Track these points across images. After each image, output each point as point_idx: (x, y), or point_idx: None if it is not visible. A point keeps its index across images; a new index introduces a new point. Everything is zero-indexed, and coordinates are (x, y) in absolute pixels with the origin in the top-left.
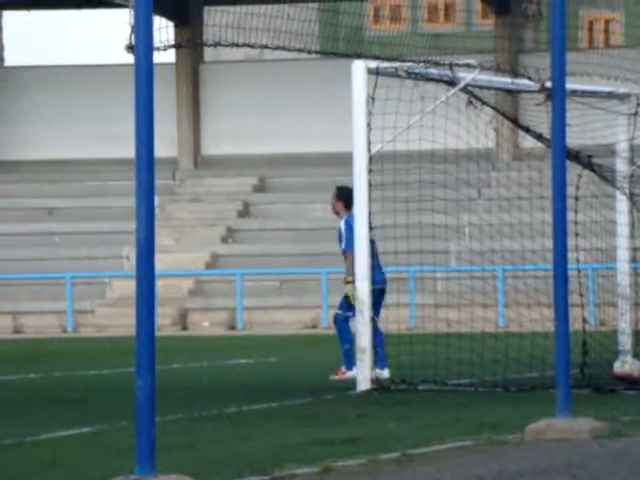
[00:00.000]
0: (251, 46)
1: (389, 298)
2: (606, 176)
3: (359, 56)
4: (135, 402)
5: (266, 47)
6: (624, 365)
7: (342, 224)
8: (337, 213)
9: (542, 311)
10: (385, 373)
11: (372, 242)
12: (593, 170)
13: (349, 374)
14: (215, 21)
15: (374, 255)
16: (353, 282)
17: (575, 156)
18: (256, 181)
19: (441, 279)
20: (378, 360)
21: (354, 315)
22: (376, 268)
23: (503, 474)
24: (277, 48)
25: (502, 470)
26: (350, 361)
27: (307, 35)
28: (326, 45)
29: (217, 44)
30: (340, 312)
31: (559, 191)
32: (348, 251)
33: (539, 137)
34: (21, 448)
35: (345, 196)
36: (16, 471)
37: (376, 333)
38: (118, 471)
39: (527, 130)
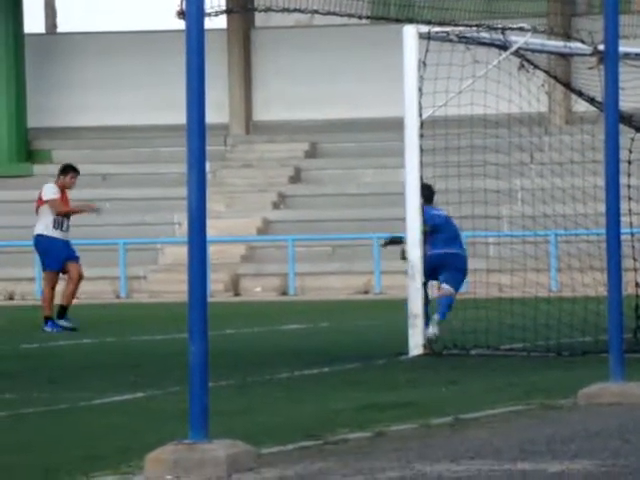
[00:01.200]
0: (302, 11)
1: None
2: None
3: (410, 21)
4: (188, 368)
5: (316, 12)
6: None
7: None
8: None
9: (595, 275)
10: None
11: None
12: None
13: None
14: None
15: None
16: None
17: (628, 120)
18: (307, 147)
19: (493, 244)
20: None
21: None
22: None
23: (555, 438)
24: (328, 13)
25: (554, 434)
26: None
27: (358, 0)
28: (377, 10)
29: (268, 9)
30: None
31: (612, 155)
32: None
33: (591, 101)
34: (76, 413)
35: (423, 192)
36: (70, 436)
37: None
38: (171, 436)
39: (580, 94)
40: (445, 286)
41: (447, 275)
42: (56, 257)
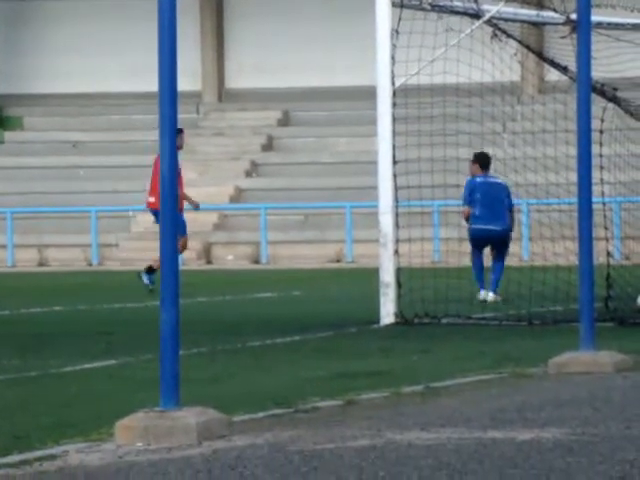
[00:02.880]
0: None
1: (414, 232)
2: (631, 110)
3: None
4: (159, 335)
5: None
6: None
7: (467, 180)
8: (473, 175)
9: (566, 244)
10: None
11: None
12: (619, 104)
13: (480, 295)
14: None
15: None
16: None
17: (600, 90)
18: (280, 115)
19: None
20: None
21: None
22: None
23: (526, 407)
24: None
25: (525, 402)
26: (479, 283)
27: None
28: None
29: None
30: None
31: (584, 124)
32: (464, 205)
33: (564, 70)
34: (46, 380)
35: (480, 159)
36: (41, 403)
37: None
38: (142, 403)
39: (552, 63)
40: None
41: None
42: None
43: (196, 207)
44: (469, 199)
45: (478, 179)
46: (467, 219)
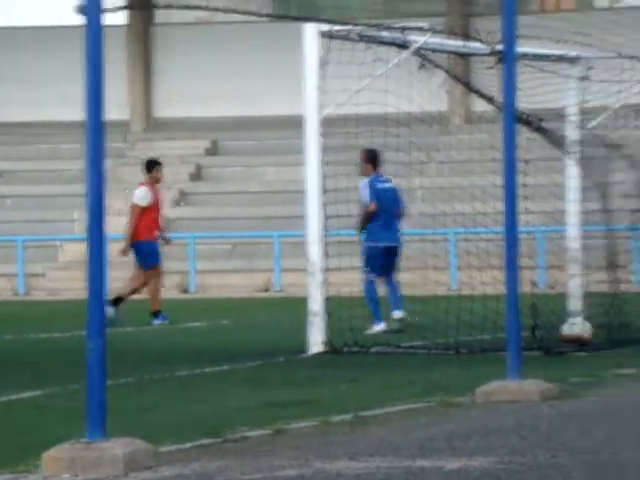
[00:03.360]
0: (202, 8)
1: (344, 261)
2: (556, 140)
3: (310, 20)
4: (86, 365)
5: (216, 10)
6: (573, 327)
7: (365, 182)
8: (365, 174)
9: (493, 273)
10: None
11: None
12: (544, 134)
13: (377, 327)
14: None
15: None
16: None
17: (526, 120)
18: (208, 144)
19: None
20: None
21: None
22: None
23: (454, 435)
24: (228, 11)
25: (453, 431)
26: (377, 315)
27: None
28: (278, 8)
29: (168, 6)
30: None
31: (510, 154)
32: (369, 204)
33: (490, 100)
34: None
35: (372, 157)
36: None
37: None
38: (69, 434)
39: (478, 93)
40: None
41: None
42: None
43: (167, 242)
44: (373, 198)
45: (379, 184)
46: (367, 220)
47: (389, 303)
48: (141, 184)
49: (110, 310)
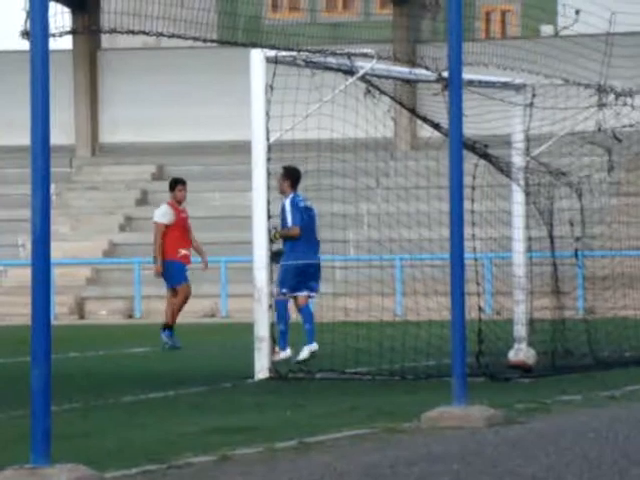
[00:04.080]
0: (147, 33)
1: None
2: (502, 167)
3: (256, 45)
4: (31, 391)
5: (161, 35)
6: (518, 353)
7: (287, 202)
8: (283, 192)
9: (439, 299)
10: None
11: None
12: (490, 161)
13: (282, 354)
14: (112, 8)
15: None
16: (276, 237)
17: (472, 146)
18: (154, 169)
19: (340, 268)
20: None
21: (286, 291)
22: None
23: (399, 462)
24: (173, 36)
25: (398, 458)
26: (283, 342)
27: (205, 24)
28: (224, 34)
29: (113, 31)
30: (277, 290)
31: (456, 180)
32: (293, 225)
33: (436, 126)
34: None
35: (292, 176)
36: None
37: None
38: (13, 460)
39: (425, 119)
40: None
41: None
42: None
43: (203, 265)
44: (299, 220)
45: (301, 203)
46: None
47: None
48: (166, 203)
49: (164, 338)
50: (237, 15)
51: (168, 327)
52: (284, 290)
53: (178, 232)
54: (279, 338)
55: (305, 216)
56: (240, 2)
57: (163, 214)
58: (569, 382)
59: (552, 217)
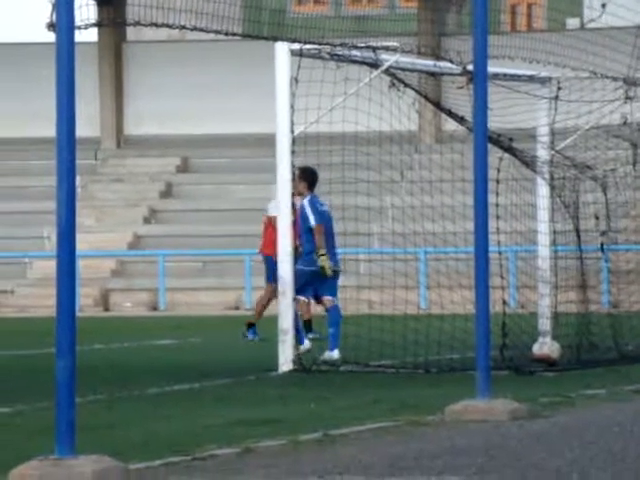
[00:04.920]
0: (170, 26)
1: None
2: (526, 160)
3: (280, 39)
4: (55, 382)
5: (184, 27)
6: (543, 347)
7: (306, 202)
8: (300, 194)
9: (463, 293)
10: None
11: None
12: (514, 154)
13: (302, 347)
14: (137, 0)
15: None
16: (325, 255)
17: (496, 140)
18: (179, 162)
19: (364, 261)
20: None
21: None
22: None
23: (422, 454)
24: (195, 29)
25: (421, 450)
26: (301, 337)
27: (230, 17)
28: (248, 28)
29: (137, 23)
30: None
31: (480, 174)
32: (316, 225)
33: (461, 120)
34: None
35: (308, 176)
36: None
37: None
38: (38, 451)
39: (449, 113)
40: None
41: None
42: None
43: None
44: (319, 219)
45: (319, 205)
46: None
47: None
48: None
49: (249, 335)
50: (262, 9)
51: (251, 324)
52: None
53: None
54: (299, 332)
55: (326, 219)
56: None
57: (275, 207)
58: (593, 376)
59: (578, 211)
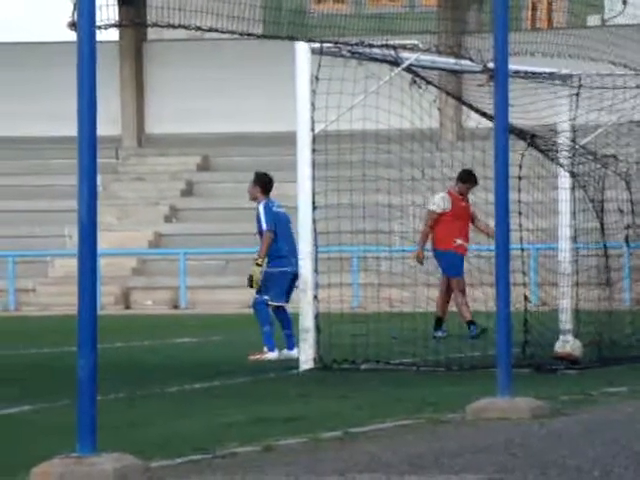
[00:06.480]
0: (186, 27)
1: (333, 278)
2: (549, 149)
3: (300, 39)
4: (77, 380)
5: (200, 29)
6: (565, 345)
7: (261, 207)
8: (255, 198)
9: (485, 290)
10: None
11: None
12: (538, 148)
13: (270, 355)
14: (157, 1)
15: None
16: (261, 265)
17: (518, 134)
18: (200, 160)
19: (384, 259)
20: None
21: (270, 299)
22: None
23: (444, 453)
24: (210, 30)
25: (443, 448)
26: (270, 342)
27: (249, 19)
28: (268, 28)
29: (154, 24)
30: (257, 296)
31: (501, 171)
32: (267, 230)
33: (483, 114)
34: None
35: (262, 181)
36: None
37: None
38: (59, 449)
39: (471, 107)
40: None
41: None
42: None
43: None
44: (270, 224)
45: (275, 207)
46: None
47: (285, 336)
48: (446, 191)
49: (438, 333)
50: (282, 9)
51: (439, 322)
52: (272, 299)
53: (455, 221)
54: (265, 338)
55: (284, 220)
56: None
57: (436, 202)
58: (615, 374)
59: (602, 207)
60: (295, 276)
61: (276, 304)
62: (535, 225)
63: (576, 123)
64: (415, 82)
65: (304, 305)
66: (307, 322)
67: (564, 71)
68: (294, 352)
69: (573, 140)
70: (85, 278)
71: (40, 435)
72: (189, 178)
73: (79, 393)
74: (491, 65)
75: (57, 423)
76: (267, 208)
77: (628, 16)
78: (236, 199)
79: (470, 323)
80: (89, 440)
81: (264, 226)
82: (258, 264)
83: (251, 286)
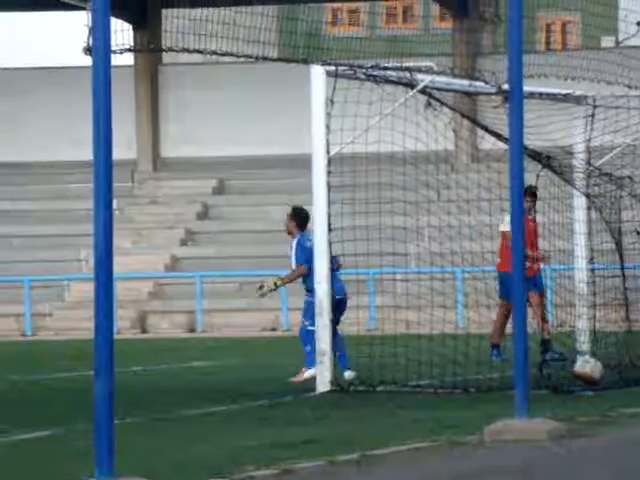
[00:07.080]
0: (201, 52)
1: (350, 300)
2: (564, 171)
3: (315, 62)
4: (94, 405)
5: (215, 53)
6: (585, 365)
7: (294, 243)
8: (290, 233)
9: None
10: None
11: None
12: (553, 170)
13: (307, 373)
14: (172, 26)
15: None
16: (277, 287)
17: (534, 156)
18: (215, 183)
19: (400, 281)
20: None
21: (309, 324)
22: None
23: (462, 474)
24: (226, 54)
25: (461, 470)
26: (308, 361)
27: (265, 43)
28: (283, 51)
29: (169, 49)
30: (305, 322)
31: (517, 192)
32: (298, 265)
33: (498, 135)
34: None
35: (299, 217)
36: None
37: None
38: (77, 474)
39: (486, 129)
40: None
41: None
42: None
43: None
44: (303, 259)
45: (308, 243)
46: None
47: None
48: None
49: (494, 357)
50: (297, 34)
51: (495, 346)
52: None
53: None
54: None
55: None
56: (300, 20)
57: (507, 221)
58: (633, 395)
59: (620, 228)
60: (338, 301)
61: (311, 328)
62: (552, 246)
63: (591, 145)
64: (430, 104)
65: (320, 328)
66: (323, 345)
67: (578, 92)
68: (347, 373)
69: (588, 162)
70: (101, 302)
71: (59, 460)
72: (205, 201)
73: (97, 417)
74: (506, 87)
75: (75, 447)
76: (300, 245)
77: None
78: (252, 222)
79: (547, 342)
80: (107, 465)
81: (294, 262)
82: (276, 283)
83: (261, 295)
